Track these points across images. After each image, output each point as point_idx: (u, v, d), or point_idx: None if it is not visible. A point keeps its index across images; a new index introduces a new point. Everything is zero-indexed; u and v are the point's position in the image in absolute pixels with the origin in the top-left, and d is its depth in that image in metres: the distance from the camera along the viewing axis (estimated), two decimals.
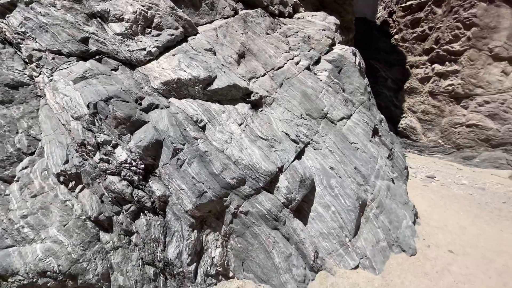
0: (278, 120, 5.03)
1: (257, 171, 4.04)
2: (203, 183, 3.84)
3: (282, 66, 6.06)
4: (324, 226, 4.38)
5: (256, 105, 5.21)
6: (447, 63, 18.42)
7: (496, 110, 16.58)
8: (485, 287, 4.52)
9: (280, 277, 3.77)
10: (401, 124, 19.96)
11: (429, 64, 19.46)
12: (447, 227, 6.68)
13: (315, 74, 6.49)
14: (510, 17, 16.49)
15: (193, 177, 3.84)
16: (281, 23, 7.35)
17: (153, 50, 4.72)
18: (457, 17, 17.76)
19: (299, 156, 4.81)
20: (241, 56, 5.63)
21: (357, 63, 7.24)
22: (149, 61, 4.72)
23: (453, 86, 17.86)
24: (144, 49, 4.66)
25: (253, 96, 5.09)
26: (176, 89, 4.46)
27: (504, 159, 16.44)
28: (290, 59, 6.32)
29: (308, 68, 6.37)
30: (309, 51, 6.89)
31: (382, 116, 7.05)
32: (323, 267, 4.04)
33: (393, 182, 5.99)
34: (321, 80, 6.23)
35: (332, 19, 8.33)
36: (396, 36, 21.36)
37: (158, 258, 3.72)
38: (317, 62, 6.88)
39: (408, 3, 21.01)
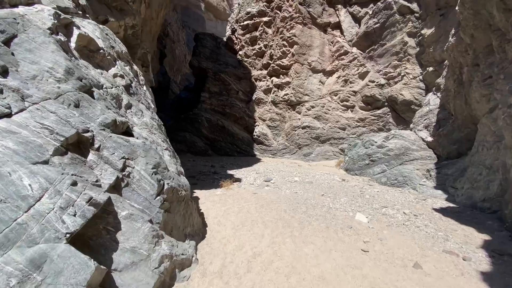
0: None
1: None
2: None
3: None
4: None
5: None
6: (281, 76, 19.11)
7: (320, 112, 18.02)
8: None
9: None
10: (256, 132, 19.33)
11: (268, 77, 19.85)
12: (232, 263, 4.30)
13: None
14: (319, 37, 18.53)
15: None
16: None
17: None
18: (282, 36, 18.72)
19: None
20: None
21: (72, 40, 4.12)
22: None
23: (288, 95, 18.57)
24: None
25: None
26: None
27: (331, 151, 17.80)
28: None
29: None
30: None
31: (121, 118, 4.01)
32: None
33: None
34: None
35: None
36: (240, 52, 21.08)
37: None
38: None
39: (245, 22, 21.14)
